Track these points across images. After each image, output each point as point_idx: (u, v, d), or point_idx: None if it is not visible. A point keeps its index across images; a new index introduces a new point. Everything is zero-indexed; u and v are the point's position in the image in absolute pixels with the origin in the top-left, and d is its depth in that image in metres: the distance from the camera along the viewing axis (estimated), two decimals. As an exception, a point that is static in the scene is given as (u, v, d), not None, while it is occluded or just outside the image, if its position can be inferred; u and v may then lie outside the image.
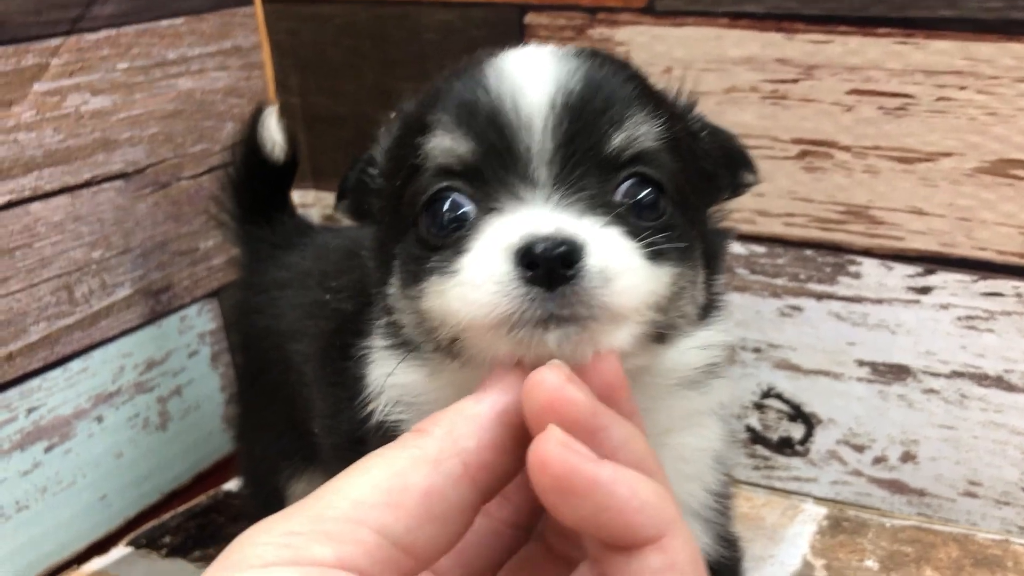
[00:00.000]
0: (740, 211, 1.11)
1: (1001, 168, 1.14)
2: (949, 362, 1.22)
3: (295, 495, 1.10)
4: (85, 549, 1.28)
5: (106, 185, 1.27)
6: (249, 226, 1.15)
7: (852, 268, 1.24)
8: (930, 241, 1.20)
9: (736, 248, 1.27)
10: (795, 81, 1.20)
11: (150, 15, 1.31)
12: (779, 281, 1.28)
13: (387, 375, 0.71)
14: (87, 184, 1.25)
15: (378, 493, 0.48)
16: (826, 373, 1.28)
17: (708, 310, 0.72)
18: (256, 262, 1.13)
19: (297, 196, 1.42)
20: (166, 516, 1.36)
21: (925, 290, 1.21)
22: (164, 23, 1.33)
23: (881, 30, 1.14)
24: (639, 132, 0.63)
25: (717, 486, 0.77)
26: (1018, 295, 1.17)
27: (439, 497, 0.49)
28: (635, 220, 0.61)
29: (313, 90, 1.50)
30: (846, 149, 1.20)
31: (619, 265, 0.57)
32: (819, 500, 1.32)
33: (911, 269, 1.21)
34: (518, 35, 1.35)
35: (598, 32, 1.30)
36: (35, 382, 1.21)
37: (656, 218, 0.63)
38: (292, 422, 1.03)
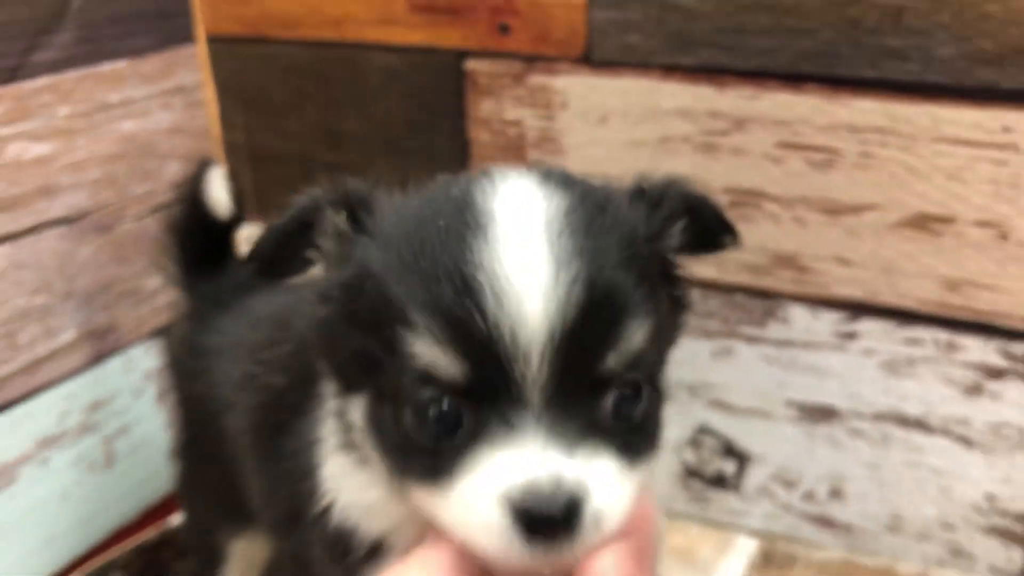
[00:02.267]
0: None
1: (920, 222, 1.18)
2: (873, 404, 1.26)
3: (235, 553, 1.10)
4: (34, 590, 1.27)
5: (48, 231, 1.26)
6: (193, 274, 1.09)
7: (781, 313, 1.27)
8: (855, 289, 1.23)
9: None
10: (726, 133, 1.21)
11: (91, 59, 1.28)
12: (711, 324, 1.30)
13: (341, 485, 0.71)
14: (29, 231, 1.23)
15: None
16: (757, 412, 1.31)
17: None
18: (196, 318, 1.08)
19: (244, 232, 1.32)
20: (114, 553, 1.35)
21: (851, 336, 1.24)
22: (106, 66, 1.31)
23: (808, 87, 1.17)
24: (633, 343, 0.59)
25: None
26: (936, 343, 1.21)
27: None
28: (616, 422, 0.60)
29: (258, 128, 1.50)
30: (775, 200, 1.22)
31: (614, 503, 0.58)
32: (751, 533, 1.35)
33: (837, 315, 1.24)
34: (459, 80, 1.36)
35: (536, 80, 1.31)
36: (-25, 430, 1.17)
37: (637, 412, 0.61)
38: (231, 487, 0.98)
